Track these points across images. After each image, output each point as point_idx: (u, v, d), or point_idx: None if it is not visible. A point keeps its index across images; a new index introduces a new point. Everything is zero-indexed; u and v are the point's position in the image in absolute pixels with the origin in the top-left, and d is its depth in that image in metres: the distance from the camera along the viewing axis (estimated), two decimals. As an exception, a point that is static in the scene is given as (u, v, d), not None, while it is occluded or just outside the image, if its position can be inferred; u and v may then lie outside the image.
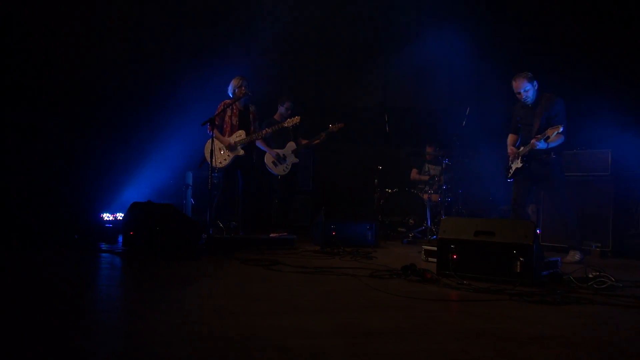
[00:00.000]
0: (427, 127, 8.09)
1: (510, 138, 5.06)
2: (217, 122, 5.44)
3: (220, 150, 5.55)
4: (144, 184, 6.90)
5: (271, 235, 5.59)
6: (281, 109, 6.19)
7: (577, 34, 7.12)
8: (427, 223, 6.57)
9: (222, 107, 5.53)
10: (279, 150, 6.08)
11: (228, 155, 5.57)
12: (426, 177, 7.39)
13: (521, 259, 3.28)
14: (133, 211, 4.78)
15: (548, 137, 4.46)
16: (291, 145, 6.14)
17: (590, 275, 3.37)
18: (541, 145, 4.52)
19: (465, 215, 6.78)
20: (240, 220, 5.64)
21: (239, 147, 5.56)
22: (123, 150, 6.84)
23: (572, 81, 6.77)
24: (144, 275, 3.54)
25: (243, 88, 5.51)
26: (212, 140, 5.19)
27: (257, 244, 5.02)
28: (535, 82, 4.67)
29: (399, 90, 8.66)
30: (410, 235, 6.44)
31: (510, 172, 4.94)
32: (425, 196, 6.84)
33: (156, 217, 4.56)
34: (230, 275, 3.57)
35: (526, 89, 4.66)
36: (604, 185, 5.36)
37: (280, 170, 6.06)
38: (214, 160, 5.13)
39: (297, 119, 5.74)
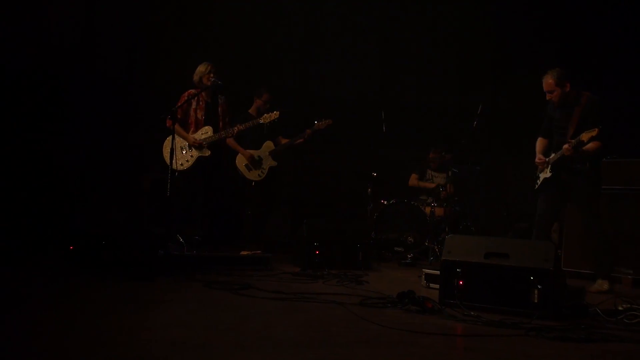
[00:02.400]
0: (431, 127, 8.15)
1: (540, 143, 5.07)
2: (179, 116, 5.41)
3: (182, 149, 5.52)
4: (94, 188, 6.84)
5: (242, 253, 5.56)
6: (258, 102, 6.18)
7: (613, 25, 7.27)
8: (429, 242, 6.60)
9: (185, 98, 5.50)
10: (253, 152, 6.06)
11: (191, 156, 5.53)
12: (430, 185, 7.42)
13: (539, 286, 3.30)
14: (75, 220, 4.71)
15: (582, 142, 4.48)
16: (268, 145, 6.13)
17: (621, 308, 3.41)
18: (574, 152, 4.55)
19: (474, 234, 6.82)
20: (204, 235, 5.60)
21: (204, 147, 5.53)
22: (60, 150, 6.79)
23: (613, 79, 6.88)
24: (83, 300, 3.49)
25: (211, 76, 5.48)
26: (173, 137, 5.14)
27: (224, 263, 4.98)
28: (566, 81, 4.70)
29: (398, 82, 8.72)
30: (408, 256, 6.45)
31: (537, 184, 4.98)
32: (428, 209, 6.86)
33: (102, 228, 4.51)
34: (190, 300, 3.53)
35: (552, 92, 4.70)
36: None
37: (254, 175, 6.04)
38: (174, 161, 5.09)
39: (275, 114, 5.73)
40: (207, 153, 5.53)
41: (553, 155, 4.82)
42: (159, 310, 3.20)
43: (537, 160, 4.99)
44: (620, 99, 6.52)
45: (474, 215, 7.25)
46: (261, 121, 5.73)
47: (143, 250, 4.43)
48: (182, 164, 5.49)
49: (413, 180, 7.61)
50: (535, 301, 3.31)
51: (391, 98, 8.49)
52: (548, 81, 4.72)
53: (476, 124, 6.54)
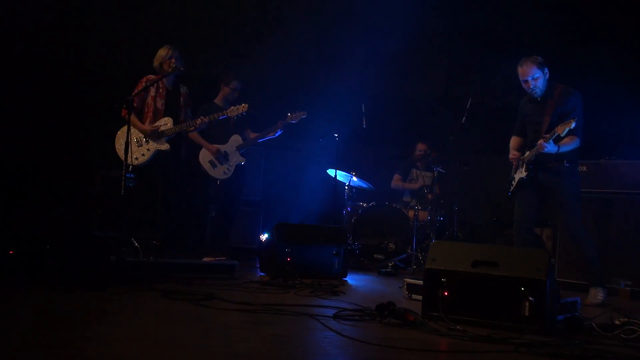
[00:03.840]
0: (416, 122, 8.21)
1: (514, 141, 5.17)
2: (135, 104, 5.36)
3: (137, 142, 5.47)
4: (34, 185, 6.73)
5: (204, 259, 5.55)
6: (225, 90, 6.16)
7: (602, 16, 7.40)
8: (411, 248, 6.66)
9: (143, 85, 5.46)
10: (219, 146, 6.04)
11: (148, 150, 5.49)
12: (415, 185, 7.47)
13: (531, 298, 3.35)
14: (15, 222, 4.64)
15: (559, 137, 4.56)
16: (236, 139, 6.11)
17: (618, 322, 3.48)
18: (550, 147, 4.61)
19: (461, 240, 6.89)
20: (162, 239, 5.57)
21: (163, 139, 5.49)
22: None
23: (602, 72, 7.01)
24: (21, 310, 3.44)
25: (173, 61, 5.46)
26: (129, 129, 5.09)
27: (184, 270, 4.96)
28: (546, 70, 4.80)
29: (381, 73, 8.76)
30: (389, 264, 6.50)
31: (512, 185, 5.05)
32: (411, 213, 6.92)
33: (45, 230, 4.44)
34: (146, 312, 3.51)
35: (535, 77, 4.77)
36: (640, 206, 5.49)
37: (219, 172, 6.02)
38: (128, 155, 5.04)
39: (244, 106, 5.72)
40: (166, 147, 5.50)
41: (528, 153, 4.89)
42: (109, 324, 3.16)
43: (510, 156, 5.06)
44: (611, 96, 6.64)
45: (461, 220, 7.32)
46: (228, 114, 5.72)
47: (92, 256, 4.37)
48: (137, 159, 5.44)
49: (396, 181, 7.65)
50: (527, 314, 3.35)
51: (372, 90, 8.53)
52: (528, 67, 4.77)
53: (465, 119, 6.60)
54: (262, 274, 5.59)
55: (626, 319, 3.49)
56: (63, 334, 2.87)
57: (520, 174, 4.94)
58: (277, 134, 6.18)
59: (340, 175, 7.13)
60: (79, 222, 6.26)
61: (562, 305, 3.63)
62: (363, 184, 7.31)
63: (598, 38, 7.43)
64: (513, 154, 5.05)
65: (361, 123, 7.13)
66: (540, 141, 4.64)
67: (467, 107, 6.57)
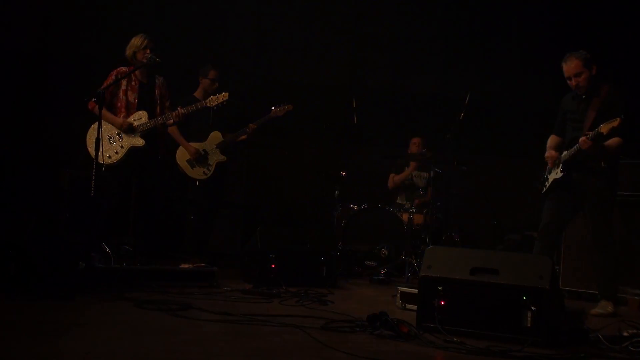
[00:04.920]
0: (411, 119, 8.24)
1: (552, 140, 5.18)
2: (106, 98, 5.34)
3: (109, 139, 5.45)
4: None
5: (182, 266, 5.53)
6: (204, 82, 6.14)
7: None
8: (405, 254, 6.67)
9: (114, 77, 5.43)
10: (198, 144, 6.02)
11: (121, 147, 5.47)
12: (405, 173, 7.40)
13: (533, 308, 3.37)
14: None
15: (602, 135, 4.54)
16: (216, 136, 6.10)
17: (626, 334, 3.49)
18: (593, 145, 4.59)
19: (459, 245, 6.91)
20: (136, 244, 5.55)
21: (137, 136, 5.47)
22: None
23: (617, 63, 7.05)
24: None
25: (148, 51, 5.44)
26: (99, 125, 5.07)
27: (160, 278, 4.94)
28: (592, 67, 4.81)
29: (373, 65, 8.78)
30: (382, 271, 6.51)
31: (545, 186, 5.08)
32: (405, 216, 6.94)
33: (9, 235, 4.41)
34: (118, 323, 3.49)
35: (579, 74, 4.80)
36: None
37: (199, 172, 6.00)
38: (100, 153, 5.02)
39: (224, 95, 5.69)
40: (141, 143, 5.47)
41: (566, 152, 4.92)
42: (78, 336, 3.15)
43: (547, 155, 5.06)
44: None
45: (458, 224, 7.35)
46: (207, 104, 5.70)
47: (60, 263, 4.35)
48: (109, 157, 5.42)
49: (392, 181, 7.65)
50: (528, 325, 3.37)
51: (364, 84, 8.55)
52: (573, 63, 4.79)
53: (463, 116, 6.62)
54: (244, 281, 5.57)
55: (635, 331, 3.51)
56: (27, 349, 2.85)
57: (556, 174, 4.96)
58: (259, 128, 6.14)
59: (329, 176, 7.13)
60: (45, 225, 6.22)
61: (567, 316, 3.65)
62: (354, 185, 7.31)
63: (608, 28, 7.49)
64: (550, 153, 5.04)
65: (352, 119, 7.14)
66: (583, 138, 4.64)
67: (466, 102, 6.58)
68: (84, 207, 6.11)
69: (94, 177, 4.83)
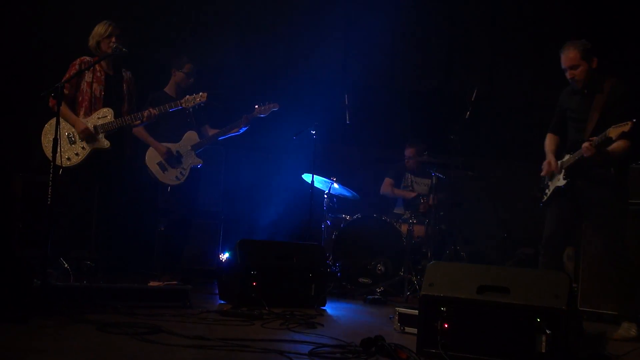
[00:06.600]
0: (410, 119, 8.26)
1: (549, 140, 5.18)
2: (67, 92, 5.32)
3: (69, 138, 5.44)
4: None
5: (151, 284, 5.54)
6: (178, 76, 6.15)
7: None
8: (404, 271, 6.67)
9: (76, 68, 5.42)
10: (170, 145, 6.01)
11: (83, 148, 5.45)
12: (409, 194, 7.48)
13: (548, 331, 3.37)
14: None
15: (609, 140, 4.54)
16: (191, 137, 6.09)
17: (652, 360, 3.52)
18: (597, 152, 4.59)
19: (464, 261, 6.93)
20: (98, 258, 5.54)
21: (101, 136, 5.45)
22: None
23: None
24: None
25: (113, 40, 5.43)
26: (58, 122, 5.04)
27: (125, 297, 4.91)
28: (593, 58, 4.83)
29: (367, 60, 8.80)
30: (377, 289, 6.52)
31: (545, 195, 5.08)
32: (404, 228, 6.94)
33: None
34: (78, 350, 3.47)
35: (576, 67, 4.81)
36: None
37: (170, 177, 5.99)
38: (58, 155, 4.99)
39: (202, 96, 5.71)
40: (106, 145, 5.46)
41: (568, 157, 4.91)
42: (32, 363, 3.12)
43: (546, 163, 5.04)
44: None
45: (464, 236, 7.36)
46: (182, 104, 5.70)
47: (11, 280, 4.32)
48: (69, 159, 5.40)
49: (387, 186, 7.67)
50: (543, 351, 3.37)
51: (359, 78, 8.56)
52: (570, 53, 4.80)
53: (469, 115, 6.64)
54: (222, 301, 5.57)
55: (662, 357, 3.53)
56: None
57: (558, 181, 4.94)
58: (241, 131, 6.19)
59: (319, 182, 7.13)
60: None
61: (586, 340, 3.65)
62: (346, 192, 7.32)
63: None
64: (550, 158, 5.00)
65: (344, 118, 7.14)
66: (586, 144, 4.62)
67: (472, 100, 6.61)
68: (39, 217, 6.09)
69: (50, 183, 4.80)
